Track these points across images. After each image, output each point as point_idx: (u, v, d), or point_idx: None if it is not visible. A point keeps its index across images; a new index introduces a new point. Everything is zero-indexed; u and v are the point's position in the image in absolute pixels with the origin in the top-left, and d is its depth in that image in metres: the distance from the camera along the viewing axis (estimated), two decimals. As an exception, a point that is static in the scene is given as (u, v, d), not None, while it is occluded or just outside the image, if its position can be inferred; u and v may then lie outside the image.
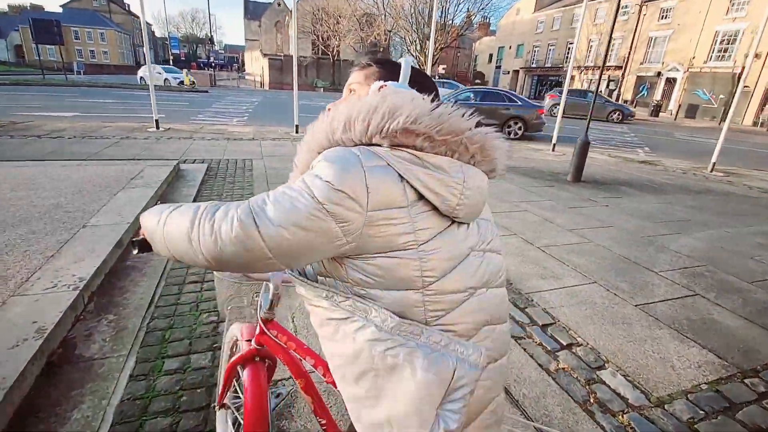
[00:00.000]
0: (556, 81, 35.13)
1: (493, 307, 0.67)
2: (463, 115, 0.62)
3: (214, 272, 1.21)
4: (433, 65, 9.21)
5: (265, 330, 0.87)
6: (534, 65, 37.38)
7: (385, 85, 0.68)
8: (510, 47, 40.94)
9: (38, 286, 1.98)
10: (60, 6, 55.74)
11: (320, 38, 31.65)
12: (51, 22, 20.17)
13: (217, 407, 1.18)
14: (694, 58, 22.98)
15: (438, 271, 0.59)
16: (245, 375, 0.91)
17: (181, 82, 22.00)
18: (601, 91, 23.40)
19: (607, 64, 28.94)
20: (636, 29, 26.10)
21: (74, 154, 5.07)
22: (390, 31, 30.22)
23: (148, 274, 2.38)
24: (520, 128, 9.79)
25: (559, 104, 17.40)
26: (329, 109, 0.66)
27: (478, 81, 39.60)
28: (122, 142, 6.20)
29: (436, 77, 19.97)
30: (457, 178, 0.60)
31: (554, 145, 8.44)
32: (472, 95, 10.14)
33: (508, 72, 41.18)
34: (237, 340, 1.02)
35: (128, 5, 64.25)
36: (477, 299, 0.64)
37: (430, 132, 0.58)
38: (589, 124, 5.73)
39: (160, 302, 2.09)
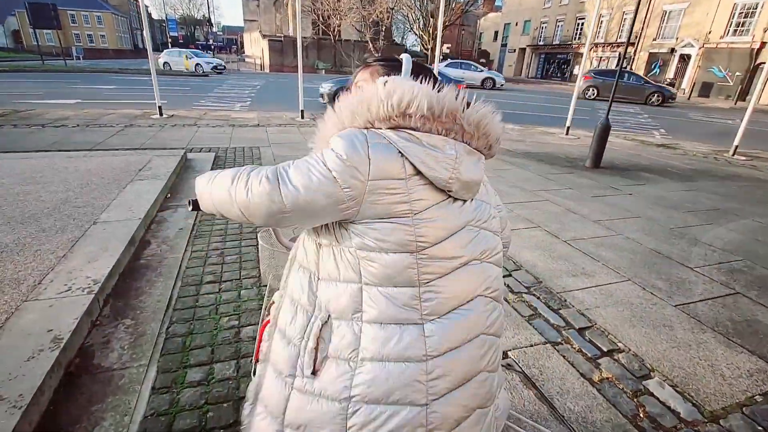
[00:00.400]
0: (565, 59, 34.02)
1: (485, 279, 0.72)
2: (456, 97, 0.67)
3: (259, 241, 1.32)
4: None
5: None
6: (542, 42, 36.09)
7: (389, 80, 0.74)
8: (516, 24, 39.43)
9: (51, 289, 1.89)
10: (55, -13, 54.38)
11: (320, 17, 30.61)
12: (47, 6, 19.75)
13: (254, 361, 1.22)
14: (710, 32, 21.97)
15: (431, 237, 0.65)
16: None
17: (215, 67, 21.66)
18: (631, 69, 22.30)
19: (619, 40, 27.87)
20: (649, 2, 24.89)
21: (79, 144, 4.95)
22: (392, 9, 29.18)
23: (163, 274, 2.29)
24: None
25: (593, 86, 16.95)
26: None
27: (483, 60, 38.35)
28: (127, 130, 6.05)
29: (442, 59, 19.38)
30: (449, 154, 0.66)
31: (568, 128, 8.16)
32: None
33: (514, 50, 39.84)
34: (274, 303, 1.08)
35: (124, -14, 62.45)
36: (469, 268, 0.70)
37: (424, 112, 0.65)
38: (610, 105, 5.45)
39: (177, 305, 2.01)
